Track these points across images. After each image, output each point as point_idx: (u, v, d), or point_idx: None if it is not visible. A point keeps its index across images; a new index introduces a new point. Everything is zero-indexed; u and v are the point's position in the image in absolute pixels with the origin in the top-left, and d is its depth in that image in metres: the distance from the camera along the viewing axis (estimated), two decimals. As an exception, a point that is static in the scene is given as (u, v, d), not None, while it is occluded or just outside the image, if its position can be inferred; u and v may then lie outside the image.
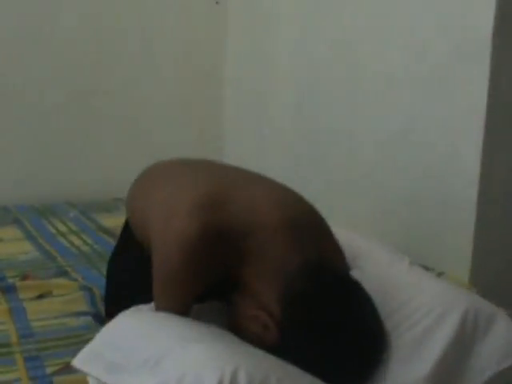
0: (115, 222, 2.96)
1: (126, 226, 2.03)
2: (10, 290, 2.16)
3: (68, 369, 1.67)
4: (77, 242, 2.72)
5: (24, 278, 2.30)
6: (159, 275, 1.59)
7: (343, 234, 1.74)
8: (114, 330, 1.60)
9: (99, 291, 2.13)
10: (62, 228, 2.89)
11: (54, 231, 2.86)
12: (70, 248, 2.65)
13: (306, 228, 1.59)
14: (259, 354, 1.43)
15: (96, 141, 3.47)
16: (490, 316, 1.56)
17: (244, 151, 3.42)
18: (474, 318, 1.53)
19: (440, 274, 2.19)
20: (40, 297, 2.14)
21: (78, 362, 1.59)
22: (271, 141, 3.23)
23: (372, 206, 2.63)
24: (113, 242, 2.69)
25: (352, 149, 2.73)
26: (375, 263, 1.74)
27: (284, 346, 1.46)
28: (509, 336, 1.54)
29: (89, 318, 1.98)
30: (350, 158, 2.73)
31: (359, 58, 2.68)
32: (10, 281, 2.25)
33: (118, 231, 2.79)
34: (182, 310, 1.57)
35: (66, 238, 2.77)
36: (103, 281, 2.23)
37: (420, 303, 1.56)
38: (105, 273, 2.32)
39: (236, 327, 1.55)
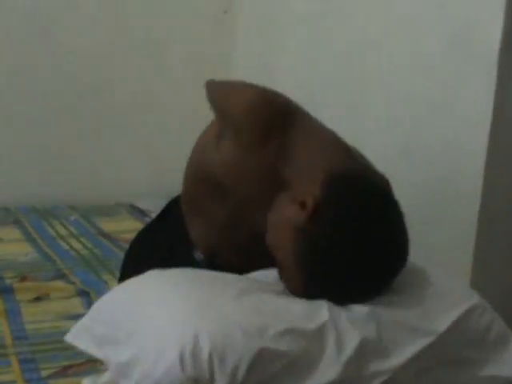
0: (116, 226, 2.98)
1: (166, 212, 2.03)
2: (7, 291, 2.15)
3: (63, 372, 1.67)
4: (76, 245, 2.71)
5: (22, 279, 2.29)
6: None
7: None
8: (103, 304, 1.61)
9: (97, 297, 2.11)
10: (62, 231, 2.89)
11: (54, 234, 2.85)
12: (69, 251, 2.65)
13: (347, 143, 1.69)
14: (227, 303, 1.43)
15: (99, 145, 3.46)
16: (506, 334, 1.56)
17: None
18: (492, 317, 1.55)
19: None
20: (37, 299, 2.13)
21: (69, 337, 1.60)
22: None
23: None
24: (112, 247, 2.70)
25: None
26: None
27: (312, 228, 1.45)
28: None
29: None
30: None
31: (364, 71, 2.67)
32: (8, 282, 2.25)
33: (118, 236, 2.82)
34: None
35: (66, 241, 2.77)
36: (101, 285, 2.24)
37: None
38: (103, 277, 2.33)
39: (269, 216, 1.56)
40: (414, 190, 2.39)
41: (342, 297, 1.45)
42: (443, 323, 1.48)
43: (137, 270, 1.65)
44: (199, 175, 1.77)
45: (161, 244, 1.91)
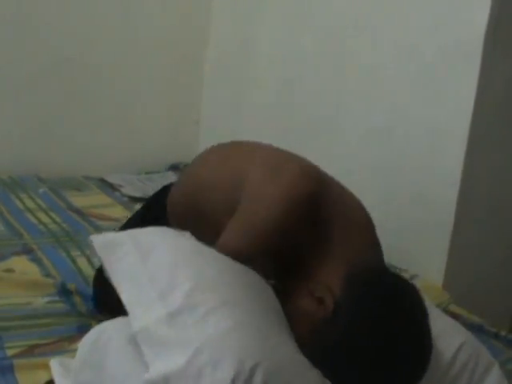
0: (85, 201, 2.91)
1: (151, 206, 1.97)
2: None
3: (30, 352, 1.62)
4: (45, 219, 2.63)
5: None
6: (250, 216, 1.53)
7: None
8: (149, 235, 1.51)
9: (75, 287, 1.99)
10: (31, 204, 2.80)
11: (21, 207, 2.77)
12: (37, 225, 2.57)
13: (374, 231, 1.63)
14: (287, 347, 1.36)
15: (69, 116, 3.38)
16: (489, 364, 1.55)
17: (220, 138, 3.37)
18: (477, 353, 1.54)
19: (413, 277, 2.16)
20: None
21: (96, 241, 1.51)
22: (248, 127, 3.18)
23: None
24: (82, 222, 2.64)
25: (332, 143, 2.69)
26: None
27: (331, 325, 1.39)
28: None
29: (55, 298, 1.91)
30: (330, 153, 2.68)
31: (346, 53, 2.64)
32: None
33: (88, 211, 2.76)
34: (248, 254, 1.51)
35: (34, 214, 2.69)
36: (68, 263, 2.18)
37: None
38: (71, 253, 2.27)
39: (286, 306, 1.49)
40: (393, 169, 2.38)
41: None
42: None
43: None
44: (232, 180, 1.66)
45: None
